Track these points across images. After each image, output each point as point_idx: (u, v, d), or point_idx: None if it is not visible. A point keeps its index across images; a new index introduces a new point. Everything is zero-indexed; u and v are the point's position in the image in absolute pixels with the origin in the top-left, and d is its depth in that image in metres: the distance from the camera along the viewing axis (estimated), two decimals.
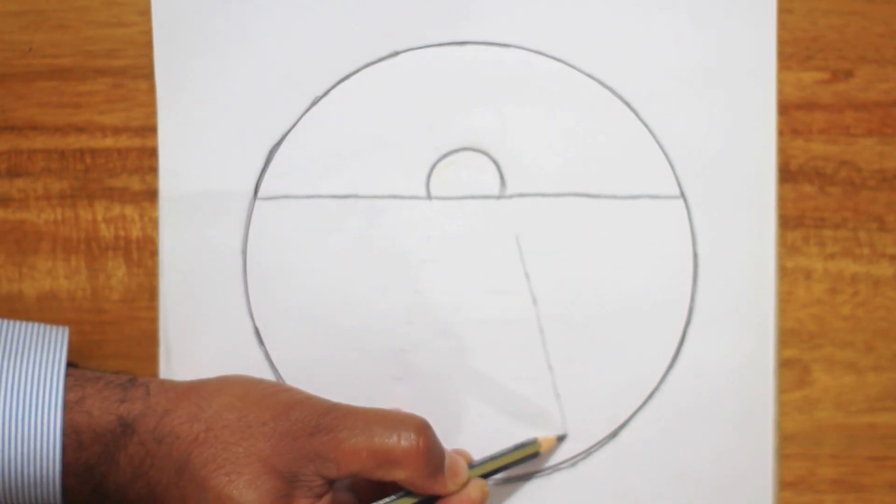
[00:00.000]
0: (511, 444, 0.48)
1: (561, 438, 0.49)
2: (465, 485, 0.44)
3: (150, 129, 0.50)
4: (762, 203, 0.49)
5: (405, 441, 0.42)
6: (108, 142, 0.50)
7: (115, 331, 0.50)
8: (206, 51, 0.49)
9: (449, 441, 0.48)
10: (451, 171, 0.49)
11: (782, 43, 0.49)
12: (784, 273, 0.49)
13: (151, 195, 0.50)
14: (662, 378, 0.49)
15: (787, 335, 0.49)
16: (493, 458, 0.47)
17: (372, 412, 0.43)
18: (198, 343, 0.49)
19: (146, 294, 0.50)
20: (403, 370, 0.49)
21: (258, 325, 0.49)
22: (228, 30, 0.49)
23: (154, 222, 0.50)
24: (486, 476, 0.46)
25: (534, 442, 0.48)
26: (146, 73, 0.50)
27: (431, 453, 0.43)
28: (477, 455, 0.47)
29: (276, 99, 0.49)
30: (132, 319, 0.50)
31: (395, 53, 0.49)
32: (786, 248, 0.49)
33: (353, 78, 0.49)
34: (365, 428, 0.42)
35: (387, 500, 0.44)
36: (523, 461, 0.47)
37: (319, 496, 0.42)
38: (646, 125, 0.49)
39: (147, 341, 0.50)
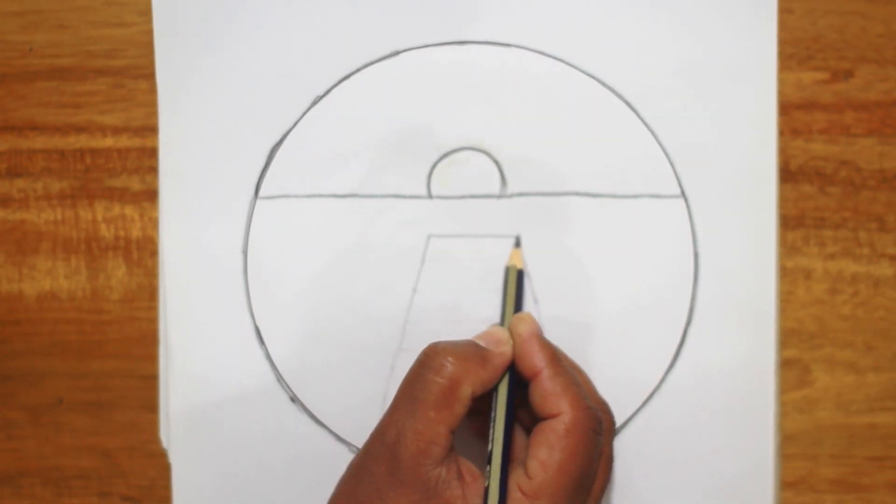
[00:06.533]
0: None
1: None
2: (511, 337, 0.44)
3: (150, 129, 0.50)
4: (762, 203, 0.49)
5: (436, 380, 0.42)
6: (108, 142, 0.50)
7: (115, 331, 0.50)
8: (206, 51, 0.49)
9: None
10: (452, 171, 0.49)
11: (782, 43, 0.49)
12: (784, 273, 0.49)
13: (151, 195, 0.50)
14: (663, 378, 0.49)
15: (787, 335, 0.50)
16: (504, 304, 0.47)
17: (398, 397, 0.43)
18: (198, 343, 0.49)
19: (146, 294, 0.50)
20: (403, 370, 0.49)
21: (258, 324, 0.49)
22: (229, 29, 0.49)
23: (154, 222, 0.50)
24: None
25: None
26: (146, 73, 0.50)
27: (460, 356, 0.42)
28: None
29: (277, 98, 0.49)
30: (132, 319, 0.50)
31: (396, 53, 0.49)
32: (786, 248, 0.49)
33: (353, 77, 0.49)
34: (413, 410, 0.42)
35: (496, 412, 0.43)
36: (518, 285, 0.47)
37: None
38: (646, 125, 0.49)
39: (147, 341, 0.50)
